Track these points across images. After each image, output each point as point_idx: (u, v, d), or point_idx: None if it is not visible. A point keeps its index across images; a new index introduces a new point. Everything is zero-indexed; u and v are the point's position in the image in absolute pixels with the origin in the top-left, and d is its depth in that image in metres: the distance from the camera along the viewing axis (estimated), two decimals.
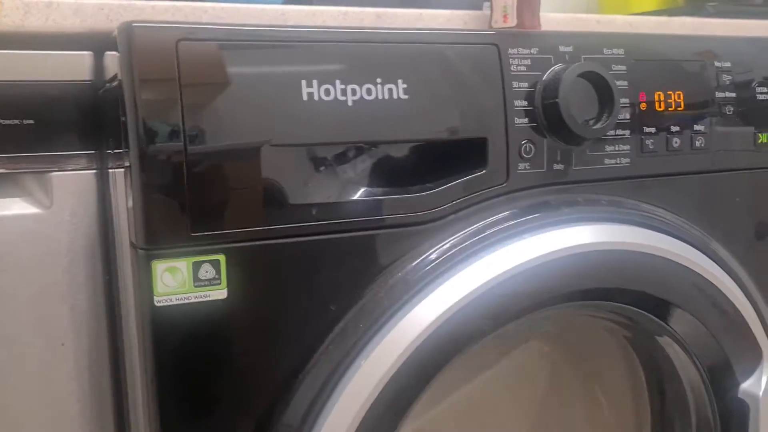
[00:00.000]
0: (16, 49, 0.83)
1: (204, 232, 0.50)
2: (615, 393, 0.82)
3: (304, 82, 0.52)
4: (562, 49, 0.61)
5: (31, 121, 0.85)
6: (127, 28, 0.48)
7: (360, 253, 0.55)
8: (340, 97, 0.53)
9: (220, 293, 0.51)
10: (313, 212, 0.53)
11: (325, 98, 0.52)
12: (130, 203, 0.50)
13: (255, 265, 0.52)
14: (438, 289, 0.55)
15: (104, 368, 0.90)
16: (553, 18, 1.18)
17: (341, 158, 0.54)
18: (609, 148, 0.63)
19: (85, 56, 0.86)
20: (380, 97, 0.54)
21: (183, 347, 0.51)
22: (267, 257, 0.52)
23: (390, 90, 0.54)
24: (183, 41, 0.49)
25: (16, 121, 0.84)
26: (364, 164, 0.55)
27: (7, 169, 0.85)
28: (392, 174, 0.56)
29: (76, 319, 0.88)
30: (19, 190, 0.86)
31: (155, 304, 0.49)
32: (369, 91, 0.54)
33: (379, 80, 0.54)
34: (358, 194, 0.54)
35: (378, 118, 0.54)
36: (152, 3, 0.93)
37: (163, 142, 0.48)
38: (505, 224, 0.59)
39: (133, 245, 0.50)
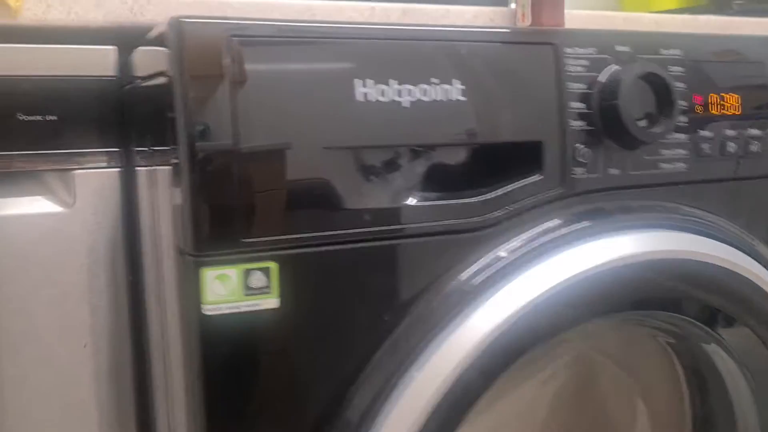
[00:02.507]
0: (38, 44, 0.80)
1: (255, 238, 0.47)
2: (655, 399, 0.80)
3: (358, 82, 0.49)
4: (618, 48, 0.59)
5: (54, 117, 0.83)
6: (178, 24, 0.45)
7: (413, 260, 0.53)
8: (395, 98, 0.50)
9: (270, 302, 0.48)
10: (367, 218, 0.50)
11: (380, 99, 0.50)
12: (178, 203, 0.48)
13: (306, 272, 0.49)
14: (493, 298, 0.53)
15: (126, 371, 0.88)
16: (577, 15, 1.16)
17: (395, 162, 0.51)
18: (665, 153, 0.60)
19: (110, 51, 0.83)
20: (436, 98, 0.52)
21: (232, 358, 0.48)
22: (319, 264, 0.50)
23: (446, 91, 0.52)
24: (234, 37, 0.46)
25: (39, 117, 0.82)
26: (417, 168, 0.53)
27: (29, 166, 0.82)
28: (446, 178, 0.54)
29: (98, 321, 0.86)
30: (41, 188, 0.84)
31: (204, 313, 0.47)
32: (425, 92, 0.51)
33: (435, 80, 0.52)
34: (412, 199, 0.52)
35: (433, 119, 0.52)
36: None
37: (215, 141, 0.46)
38: (560, 231, 0.57)
39: (180, 251, 0.47)
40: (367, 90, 0.49)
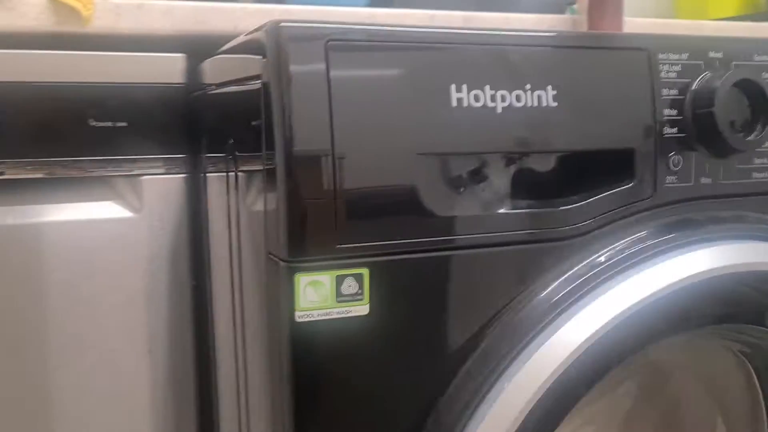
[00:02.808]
0: (108, 51, 0.81)
1: (349, 243, 0.47)
2: (733, 413, 0.77)
3: (453, 87, 0.49)
4: (712, 54, 0.57)
5: (124, 123, 0.84)
6: (275, 28, 0.45)
7: (502, 269, 0.52)
8: (489, 104, 0.50)
9: (362, 309, 0.48)
10: (458, 225, 0.49)
11: (474, 104, 0.49)
12: (270, 208, 0.47)
13: (397, 279, 0.49)
14: (583, 310, 0.52)
15: (189, 377, 0.88)
16: (640, 23, 1.14)
17: (487, 168, 0.50)
18: (758, 162, 0.58)
19: (178, 59, 0.84)
20: (529, 104, 0.51)
21: (322, 366, 0.48)
22: (409, 272, 0.49)
23: (539, 97, 0.51)
24: (332, 41, 0.46)
25: (109, 124, 0.83)
26: (508, 175, 0.52)
27: (99, 171, 0.83)
28: (536, 186, 0.53)
29: (162, 327, 0.87)
30: (111, 193, 0.84)
31: (296, 320, 0.46)
32: (518, 98, 0.50)
33: (528, 86, 0.51)
34: (502, 207, 0.51)
35: (526, 126, 0.51)
36: (242, 5, 0.91)
37: (312, 147, 0.45)
38: (650, 242, 0.55)
39: (272, 256, 0.47)
40: (462, 95, 0.49)
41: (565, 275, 0.53)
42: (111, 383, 0.83)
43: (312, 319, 0.46)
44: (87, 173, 0.81)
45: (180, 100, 0.84)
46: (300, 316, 0.46)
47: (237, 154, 0.57)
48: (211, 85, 0.76)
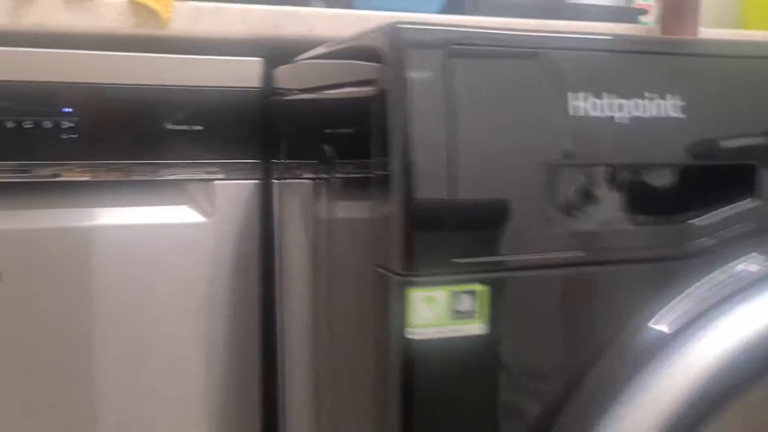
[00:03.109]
0: (186, 53, 0.80)
1: (466, 258, 0.44)
2: None
3: (571, 95, 0.46)
4: None
5: (200, 127, 0.83)
6: (394, 31, 0.43)
7: (623, 287, 0.49)
8: (609, 113, 0.47)
9: (476, 327, 0.45)
10: (576, 241, 0.47)
11: (592, 113, 0.46)
12: (381, 218, 0.45)
13: (512, 297, 0.46)
14: (709, 334, 0.49)
15: (254, 385, 0.87)
16: (714, 33, 1.10)
17: (606, 181, 0.48)
18: None
19: (256, 63, 0.83)
20: (651, 114, 0.48)
21: (433, 386, 0.45)
22: (524, 289, 0.47)
23: (663, 107, 0.48)
24: (455, 46, 0.44)
25: (185, 127, 0.82)
26: (627, 189, 0.49)
27: (173, 175, 0.82)
28: (655, 201, 0.50)
29: (229, 334, 0.85)
30: (183, 197, 0.83)
31: (407, 337, 0.44)
32: (639, 107, 0.48)
33: (650, 95, 0.48)
34: (624, 223, 0.48)
35: (647, 137, 0.48)
36: (317, 10, 0.89)
37: (431, 155, 0.43)
38: None
39: (381, 269, 0.45)
40: (580, 104, 0.46)
41: (685, 296, 0.50)
42: (176, 389, 0.82)
43: (425, 337, 0.44)
44: (161, 177, 0.80)
45: (256, 104, 0.83)
46: (413, 334, 0.44)
47: (336, 160, 0.55)
48: (292, 90, 0.74)
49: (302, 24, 0.89)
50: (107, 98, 0.78)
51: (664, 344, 0.48)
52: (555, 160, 0.45)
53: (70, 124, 0.77)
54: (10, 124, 0.73)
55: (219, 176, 0.84)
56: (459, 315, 0.45)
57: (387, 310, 0.45)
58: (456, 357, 0.45)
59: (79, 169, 0.77)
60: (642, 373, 0.47)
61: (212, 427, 0.85)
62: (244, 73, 0.83)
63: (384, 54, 0.44)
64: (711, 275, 0.51)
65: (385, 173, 0.44)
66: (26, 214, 0.76)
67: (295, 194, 0.75)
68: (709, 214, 0.51)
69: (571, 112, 0.46)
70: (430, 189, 0.43)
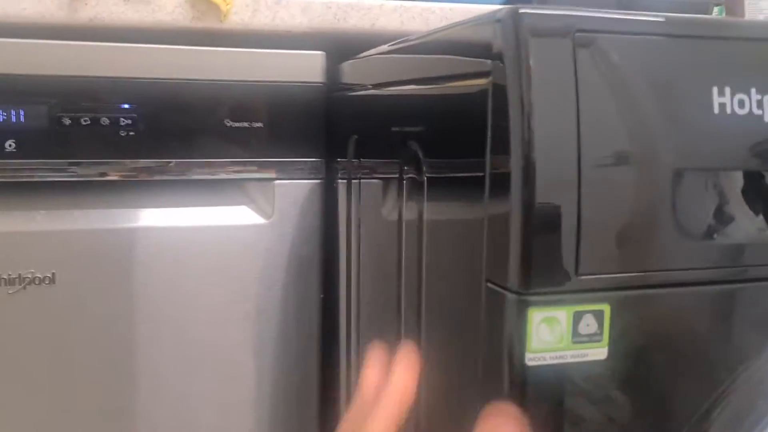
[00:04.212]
0: (244, 47, 0.76)
1: (590, 274, 0.39)
2: None
3: (715, 90, 0.40)
4: None
5: (260, 124, 0.79)
6: (513, 15, 0.38)
7: (756, 309, 0.43)
8: (756, 111, 0.41)
9: (599, 352, 0.40)
10: (716, 255, 0.41)
11: (737, 111, 0.41)
12: (495, 227, 0.40)
13: (641, 318, 0.41)
14: None
15: (313, 397, 0.82)
16: None
17: (750, 189, 0.42)
18: None
19: (318, 56, 0.79)
20: None
21: (551, 418, 0.40)
22: (653, 308, 0.41)
23: None
24: (580, 33, 0.39)
25: (246, 124, 0.78)
26: None
27: (233, 174, 0.79)
28: None
29: (287, 340, 0.81)
30: (242, 197, 0.80)
31: (526, 363, 0.39)
32: None
33: None
34: (763, 235, 0.43)
35: None
36: (381, 2, 0.85)
37: (555, 156, 0.38)
38: None
39: (495, 285, 0.39)
40: (725, 100, 0.40)
41: None
42: (228, 396, 0.79)
43: (544, 363, 0.39)
44: (219, 176, 0.77)
45: (319, 100, 0.79)
46: (531, 359, 0.39)
47: (426, 158, 0.49)
48: (364, 85, 0.69)
49: (364, 17, 0.84)
50: (166, 94, 0.74)
51: None
52: (694, 165, 0.40)
53: (128, 121, 0.73)
54: (66, 121, 0.70)
55: (279, 175, 0.80)
56: (582, 338, 0.40)
57: (500, 331, 0.39)
58: (576, 385, 0.40)
59: (137, 167, 0.73)
60: None
61: None
62: (306, 67, 0.79)
63: (502, 43, 0.38)
64: None
65: (501, 173, 0.39)
66: (81, 214, 0.73)
67: (366, 194, 0.70)
68: None
69: (715, 109, 0.40)
70: (553, 194, 0.37)
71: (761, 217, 0.42)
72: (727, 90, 0.40)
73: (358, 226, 0.72)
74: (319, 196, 0.81)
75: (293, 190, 0.81)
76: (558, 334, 0.39)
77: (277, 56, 0.79)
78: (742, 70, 0.41)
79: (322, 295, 0.83)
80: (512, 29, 0.38)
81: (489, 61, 0.39)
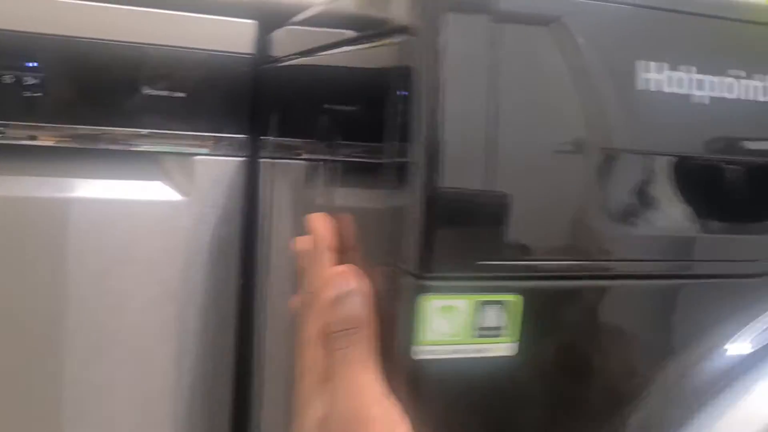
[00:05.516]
0: (170, 10, 0.71)
1: (495, 260, 0.35)
2: None
3: (639, 64, 0.37)
4: None
5: (183, 95, 0.73)
6: None
7: (683, 307, 0.39)
8: (689, 91, 0.37)
9: (506, 348, 0.36)
10: (639, 247, 0.37)
11: (667, 89, 0.37)
12: (396, 206, 0.35)
13: (552, 311, 0.37)
14: None
15: (226, 388, 0.77)
16: None
17: (675, 176, 0.38)
18: None
19: (249, 25, 0.73)
20: (739, 95, 0.38)
21: (446, 422, 0.36)
22: (568, 302, 0.37)
23: (752, 89, 0.39)
24: (497, 7, 0.34)
25: (166, 93, 0.72)
26: (701, 188, 0.39)
27: (149, 146, 0.73)
28: (733, 205, 0.41)
29: (201, 328, 0.76)
30: (158, 172, 0.74)
31: (415, 356, 0.34)
32: (725, 87, 0.38)
33: (739, 73, 0.38)
34: (694, 228, 0.39)
35: (731, 124, 0.39)
36: None
37: (463, 137, 0.33)
38: None
39: (394, 268, 0.35)
40: (651, 76, 0.37)
41: (756, 321, 0.41)
42: (140, 384, 0.73)
43: (438, 357, 0.34)
44: (135, 147, 0.71)
45: (247, 73, 0.73)
46: (422, 352, 0.34)
47: (340, 139, 0.45)
48: (289, 56, 0.64)
49: None
50: (75, 53, 0.68)
51: (728, 383, 0.39)
52: (614, 146, 0.36)
53: (35, 81, 0.67)
54: None
55: (200, 151, 0.74)
56: (485, 332, 0.35)
57: (394, 319, 0.35)
58: (478, 384, 0.35)
59: (38, 133, 0.67)
60: (697, 419, 0.38)
61: (178, 425, 0.76)
62: (236, 36, 0.73)
63: (413, 16, 0.34)
64: None
65: (404, 157, 0.34)
66: None
67: (287, 176, 0.65)
68: None
69: (639, 85, 0.36)
70: (460, 175, 0.33)
71: (686, 208, 0.38)
72: (653, 65, 0.36)
73: (281, 210, 0.68)
74: (242, 175, 0.76)
75: (215, 167, 0.75)
76: (457, 326, 0.34)
77: (206, 22, 0.73)
78: (672, 44, 0.37)
79: (242, 281, 0.77)
80: (425, 1, 0.33)
81: (401, 37, 0.35)
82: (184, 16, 0.72)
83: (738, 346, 0.40)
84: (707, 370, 0.39)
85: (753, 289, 0.41)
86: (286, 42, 0.67)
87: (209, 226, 0.75)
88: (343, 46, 0.45)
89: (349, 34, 0.45)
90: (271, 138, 0.70)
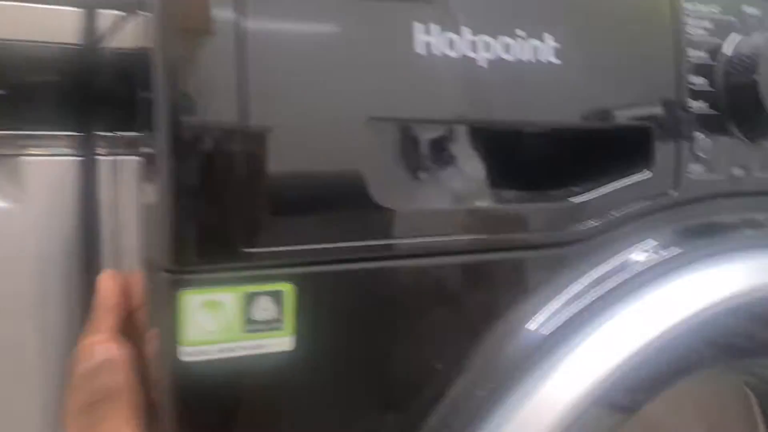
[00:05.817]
0: None
1: (263, 247, 0.32)
2: None
3: (418, 27, 0.34)
4: (747, 10, 0.44)
5: (3, 91, 0.67)
6: None
7: (482, 284, 0.38)
8: (468, 53, 0.35)
9: (282, 342, 0.33)
10: (423, 223, 0.35)
11: (446, 52, 0.35)
12: (151, 201, 0.32)
13: (333, 300, 0.34)
14: (585, 346, 0.38)
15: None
16: None
17: (461, 144, 0.36)
18: None
19: (74, 13, 0.68)
20: (523, 58, 0.37)
21: (228, 425, 0.33)
22: (350, 288, 0.35)
23: (535, 49, 0.37)
24: None
25: None
26: (490, 155, 0.38)
27: None
28: (524, 173, 0.39)
29: (45, 342, 0.71)
30: None
31: (181, 358, 0.31)
32: (507, 48, 0.36)
33: (521, 33, 0.37)
34: (482, 200, 0.37)
35: (516, 86, 0.37)
36: None
37: (210, 119, 0.30)
38: (673, 251, 0.42)
39: (151, 264, 0.32)
40: (429, 39, 0.34)
41: (562, 294, 0.39)
42: None
43: (206, 357, 0.31)
44: None
45: (76, 64, 0.68)
46: (188, 353, 0.31)
47: (109, 133, 0.41)
48: (114, 45, 0.60)
49: None
50: None
51: (533, 361, 0.37)
52: (392, 115, 0.33)
53: None
54: None
55: (27, 151, 0.68)
56: (257, 326, 0.32)
57: (158, 318, 0.31)
58: (254, 384, 0.32)
59: None
60: (505, 400, 0.36)
61: None
62: (58, 25, 0.68)
63: None
64: (596, 268, 0.40)
65: (152, 147, 0.31)
66: None
67: (125, 172, 0.60)
68: (594, 191, 0.40)
69: (417, 48, 0.34)
70: (209, 161, 0.30)
71: (474, 177, 0.36)
72: (432, 27, 0.34)
73: (124, 207, 0.63)
74: (79, 175, 0.70)
75: (46, 169, 0.69)
76: (224, 322, 0.31)
77: (24, 10, 0.67)
78: (452, 4, 0.35)
79: (83, 290, 0.72)
80: None
81: (144, 14, 0.31)
82: (1, 5, 0.66)
83: (544, 322, 0.38)
84: (513, 348, 0.38)
85: (557, 258, 0.39)
86: (111, 30, 0.62)
87: (46, 234, 0.70)
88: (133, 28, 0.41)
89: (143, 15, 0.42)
90: (106, 133, 0.65)
